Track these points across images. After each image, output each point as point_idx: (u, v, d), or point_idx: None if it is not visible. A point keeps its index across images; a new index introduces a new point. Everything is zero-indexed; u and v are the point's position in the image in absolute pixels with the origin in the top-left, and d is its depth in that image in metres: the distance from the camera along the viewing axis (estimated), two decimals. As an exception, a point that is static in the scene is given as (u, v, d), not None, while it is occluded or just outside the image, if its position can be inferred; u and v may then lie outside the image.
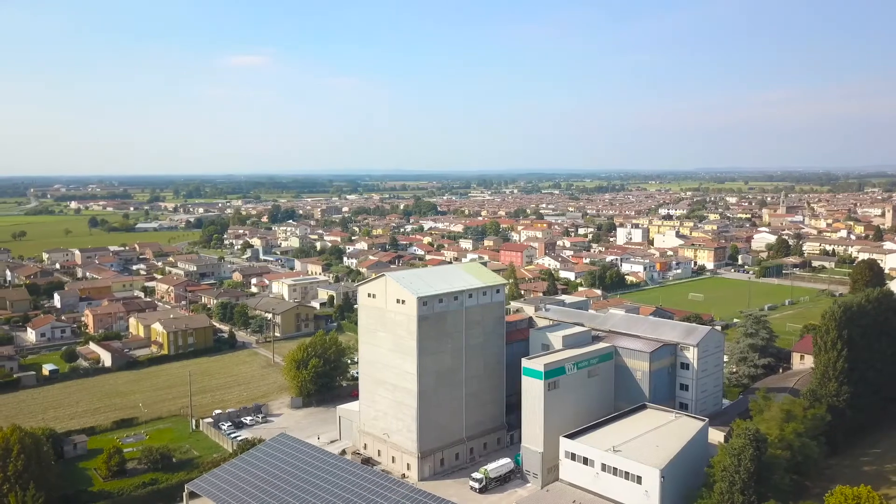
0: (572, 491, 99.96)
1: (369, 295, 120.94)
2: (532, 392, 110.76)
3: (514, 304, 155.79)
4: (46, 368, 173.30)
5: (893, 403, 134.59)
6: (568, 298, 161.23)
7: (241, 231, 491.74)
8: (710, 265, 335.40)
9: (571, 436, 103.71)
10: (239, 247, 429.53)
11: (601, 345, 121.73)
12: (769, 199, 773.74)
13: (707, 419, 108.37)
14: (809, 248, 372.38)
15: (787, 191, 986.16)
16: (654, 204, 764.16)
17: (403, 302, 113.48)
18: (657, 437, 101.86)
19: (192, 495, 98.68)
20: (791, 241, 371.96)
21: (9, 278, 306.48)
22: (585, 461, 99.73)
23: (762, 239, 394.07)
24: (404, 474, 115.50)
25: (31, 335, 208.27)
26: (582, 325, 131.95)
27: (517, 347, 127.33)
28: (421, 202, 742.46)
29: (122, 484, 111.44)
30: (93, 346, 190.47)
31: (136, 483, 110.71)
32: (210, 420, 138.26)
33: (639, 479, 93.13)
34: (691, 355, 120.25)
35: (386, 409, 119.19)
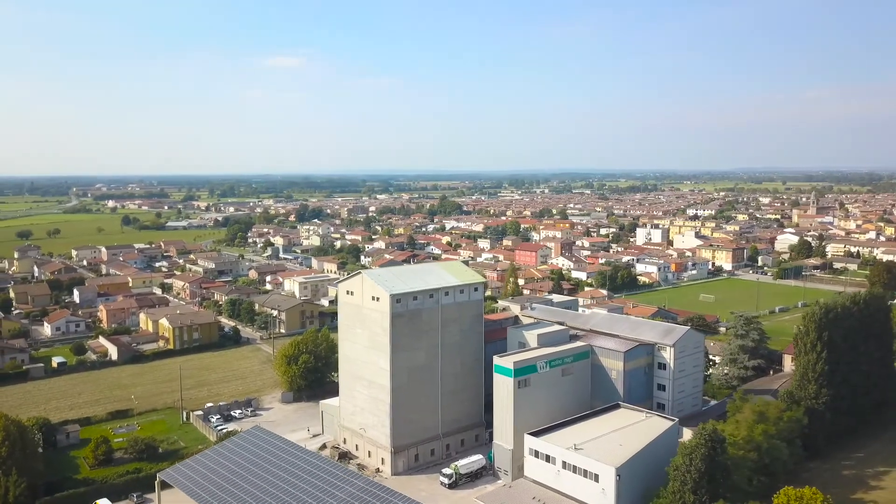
0: (535, 488, 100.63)
1: (348, 292, 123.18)
2: (502, 389, 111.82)
3: (501, 303, 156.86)
4: (55, 361, 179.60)
5: (883, 407, 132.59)
6: (556, 298, 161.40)
7: (265, 230, 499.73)
8: (727, 266, 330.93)
9: (537, 433, 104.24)
10: (261, 245, 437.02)
11: (577, 344, 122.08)
12: (803, 199, 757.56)
13: (677, 419, 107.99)
14: (833, 249, 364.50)
15: (825, 191, 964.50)
16: (685, 204, 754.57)
17: (378, 299, 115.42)
18: (622, 436, 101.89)
19: (165, 484, 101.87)
20: (814, 243, 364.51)
21: (36, 274, 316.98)
22: (548, 458, 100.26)
23: (785, 240, 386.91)
24: (378, 468, 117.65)
25: (47, 329, 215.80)
26: (563, 323, 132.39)
27: (498, 346, 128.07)
28: (446, 202, 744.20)
29: (106, 472, 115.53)
30: (102, 340, 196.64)
31: (120, 471, 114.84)
32: (200, 413, 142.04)
33: (596, 478, 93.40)
34: (668, 355, 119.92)
35: (363, 405, 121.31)
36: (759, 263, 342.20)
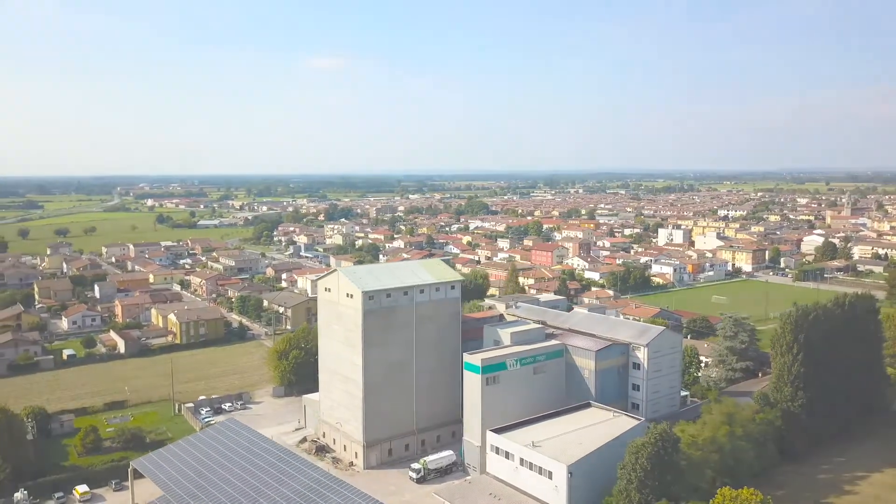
0: (494, 483, 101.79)
1: (326, 289, 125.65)
2: (471, 386, 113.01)
3: (487, 301, 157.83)
4: (65, 353, 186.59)
5: (870, 412, 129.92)
6: (544, 297, 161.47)
7: (291, 228, 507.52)
8: (748, 268, 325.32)
9: (500, 430, 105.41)
10: (284, 243, 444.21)
11: (551, 342, 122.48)
12: (842, 200, 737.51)
13: (643, 419, 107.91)
14: (861, 251, 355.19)
15: (868, 192, 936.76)
16: (719, 205, 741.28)
17: (352, 296, 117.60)
18: (584, 434, 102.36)
19: (138, 473, 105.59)
20: (839, 244, 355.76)
21: (64, 270, 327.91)
22: (507, 455, 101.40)
23: (812, 241, 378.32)
24: (352, 462, 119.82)
25: (64, 323, 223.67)
26: (544, 322, 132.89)
27: (479, 344, 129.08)
28: (473, 202, 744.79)
29: (93, 460, 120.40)
30: (112, 334, 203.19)
31: (105, 460, 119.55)
32: (191, 405, 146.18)
33: (550, 475, 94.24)
34: (642, 355, 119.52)
35: (339, 400, 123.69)
36: (782, 265, 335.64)
